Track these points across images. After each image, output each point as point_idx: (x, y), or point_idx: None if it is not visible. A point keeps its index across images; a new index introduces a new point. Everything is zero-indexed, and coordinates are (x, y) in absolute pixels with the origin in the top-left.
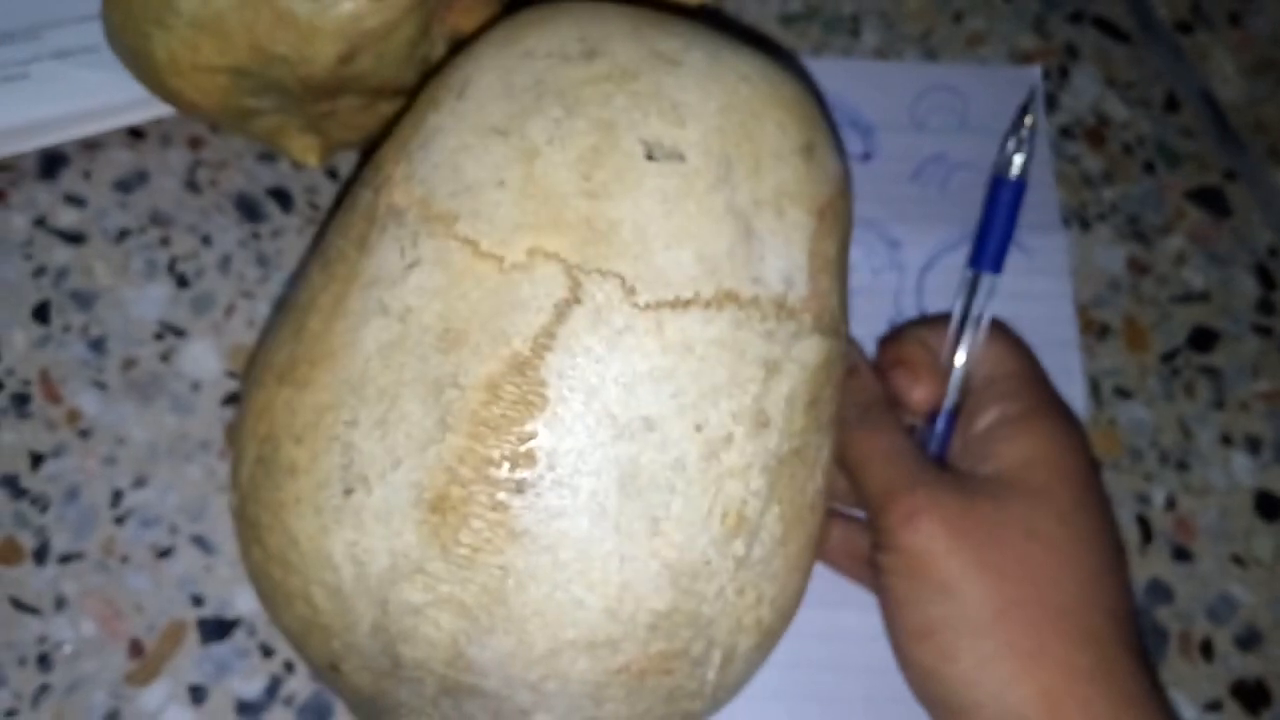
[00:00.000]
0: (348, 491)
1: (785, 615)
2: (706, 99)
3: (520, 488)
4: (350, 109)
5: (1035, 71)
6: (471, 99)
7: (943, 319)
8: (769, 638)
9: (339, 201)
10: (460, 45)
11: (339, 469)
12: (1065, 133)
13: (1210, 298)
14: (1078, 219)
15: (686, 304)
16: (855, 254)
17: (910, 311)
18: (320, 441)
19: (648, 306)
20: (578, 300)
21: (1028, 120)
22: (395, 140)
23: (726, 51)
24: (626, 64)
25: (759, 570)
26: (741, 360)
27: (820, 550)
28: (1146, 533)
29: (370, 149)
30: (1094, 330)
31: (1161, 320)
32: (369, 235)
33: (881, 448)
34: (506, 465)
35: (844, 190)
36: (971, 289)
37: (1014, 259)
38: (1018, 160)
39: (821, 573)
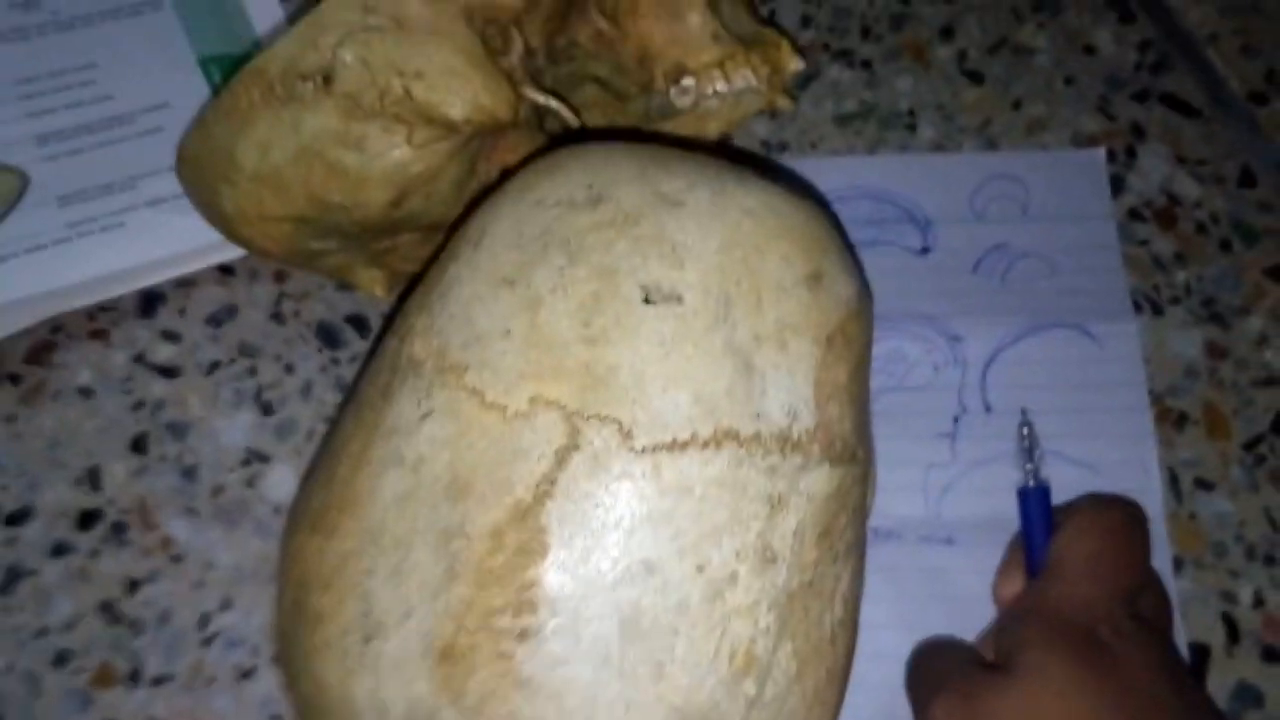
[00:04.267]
0: (367, 639)
1: None
2: (707, 237)
3: (523, 636)
4: (409, 243)
5: (1099, 153)
6: (486, 249)
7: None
8: None
9: (374, 347)
10: (506, 175)
11: (359, 616)
12: (1134, 215)
13: None
14: (1149, 304)
15: (684, 445)
16: (915, 350)
17: (975, 408)
18: (344, 589)
19: (644, 450)
20: (577, 447)
21: (1025, 434)
22: (421, 289)
23: (733, 185)
24: (630, 209)
25: (773, 709)
26: (743, 498)
27: None
28: (1234, 633)
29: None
30: (1171, 420)
31: (1243, 406)
32: (391, 384)
33: (944, 666)
34: (509, 613)
35: (858, 311)
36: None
37: (1083, 348)
38: (1030, 471)
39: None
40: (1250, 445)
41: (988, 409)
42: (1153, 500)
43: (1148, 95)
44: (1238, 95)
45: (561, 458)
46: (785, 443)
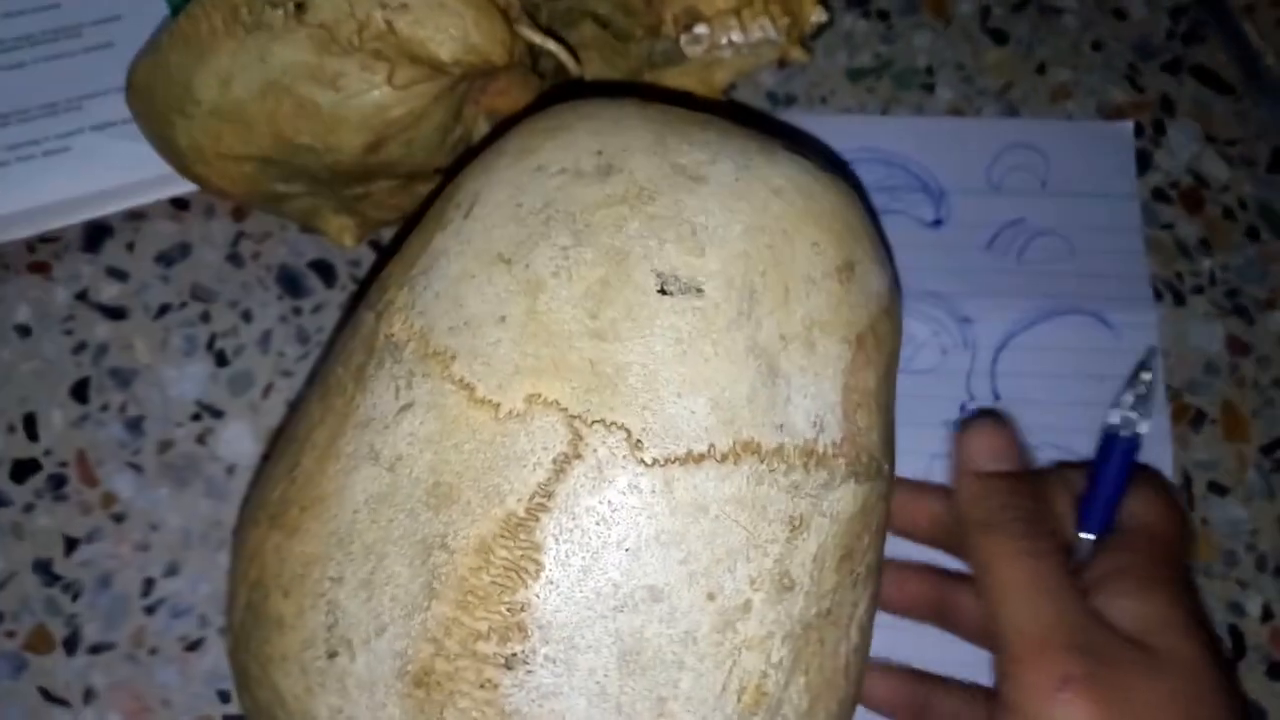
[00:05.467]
0: (331, 654)
1: None
2: (731, 220)
3: (510, 664)
4: (385, 191)
5: (1126, 127)
6: (478, 219)
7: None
8: None
9: (347, 315)
10: (501, 128)
11: (323, 629)
12: (1159, 195)
13: None
14: (1171, 292)
15: (699, 459)
16: (923, 331)
17: (984, 396)
18: (306, 597)
19: (655, 463)
20: (578, 455)
21: (1145, 376)
22: (401, 258)
23: (760, 160)
24: (645, 182)
25: None
26: (762, 519)
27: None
28: (1239, 646)
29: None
30: (1187, 418)
31: (1263, 407)
32: (366, 367)
33: (1035, 578)
34: (495, 639)
35: (888, 308)
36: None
37: (1099, 337)
38: (1129, 418)
39: None
40: (1268, 449)
41: (997, 397)
42: None
43: (1179, 66)
44: (1273, 71)
45: (560, 467)
46: (810, 457)
